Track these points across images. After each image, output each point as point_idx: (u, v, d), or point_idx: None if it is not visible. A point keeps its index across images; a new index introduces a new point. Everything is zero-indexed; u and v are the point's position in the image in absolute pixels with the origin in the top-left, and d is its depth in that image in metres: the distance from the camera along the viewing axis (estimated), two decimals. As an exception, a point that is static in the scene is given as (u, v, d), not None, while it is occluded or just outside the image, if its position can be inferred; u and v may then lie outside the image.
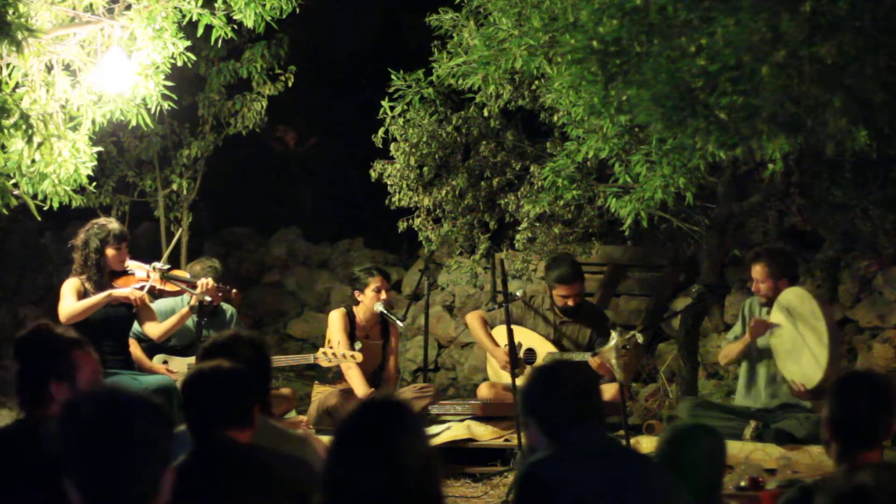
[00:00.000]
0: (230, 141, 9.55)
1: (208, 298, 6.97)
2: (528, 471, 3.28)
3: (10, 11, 5.57)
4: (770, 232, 8.16)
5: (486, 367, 7.97)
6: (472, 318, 7.74)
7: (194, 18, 6.39)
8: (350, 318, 7.49)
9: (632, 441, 6.72)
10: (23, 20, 5.66)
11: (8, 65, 6.04)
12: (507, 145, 8.29)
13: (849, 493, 2.61)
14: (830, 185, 7.43)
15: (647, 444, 6.77)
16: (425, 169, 8.23)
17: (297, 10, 6.67)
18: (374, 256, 10.60)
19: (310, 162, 12.49)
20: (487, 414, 7.42)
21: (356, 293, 7.52)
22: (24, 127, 5.87)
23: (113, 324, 6.85)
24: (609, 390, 6.90)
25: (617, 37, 4.84)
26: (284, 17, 6.66)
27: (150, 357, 7.30)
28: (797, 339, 6.59)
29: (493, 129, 8.27)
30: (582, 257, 8.28)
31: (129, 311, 6.94)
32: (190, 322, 7.13)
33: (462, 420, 7.45)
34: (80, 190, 6.60)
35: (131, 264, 6.98)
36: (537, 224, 8.04)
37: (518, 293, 7.37)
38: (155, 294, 7.07)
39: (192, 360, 6.93)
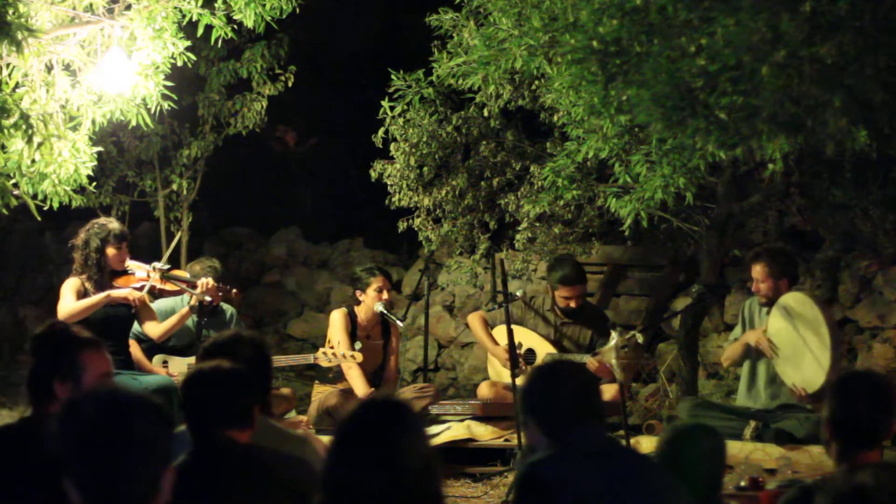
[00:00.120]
0: (230, 141, 9.55)
1: (208, 298, 6.97)
2: (528, 471, 3.28)
3: (10, 11, 5.57)
4: (770, 232, 8.15)
5: (487, 366, 7.98)
6: (473, 319, 7.75)
7: (194, 18, 6.39)
8: (351, 318, 7.49)
9: (632, 441, 6.72)
10: (23, 20, 5.66)
11: (8, 65, 6.04)
12: (507, 145, 8.29)
13: (849, 493, 2.60)
14: (830, 185, 7.42)
15: (647, 444, 6.77)
16: (425, 169, 8.23)
17: (297, 10, 6.67)
18: (374, 256, 10.60)
19: (310, 162, 12.49)
20: (487, 414, 7.42)
21: (358, 293, 7.53)
22: (24, 127, 5.87)
23: (113, 324, 6.84)
24: (609, 390, 6.90)
25: (617, 37, 4.84)
26: (284, 17, 6.66)
27: (150, 357, 7.30)
28: (797, 344, 6.59)
29: (493, 129, 8.26)
30: (582, 257, 8.28)
31: (128, 312, 6.94)
32: (190, 322, 7.13)
33: (462, 420, 7.45)
34: (80, 190, 6.60)
35: (131, 264, 6.98)
36: (537, 224, 8.04)
37: (518, 293, 7.37)
38: (155, 294, 7.08)
39: (191, 360, 6.94)
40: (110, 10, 6.38)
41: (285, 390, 8.11)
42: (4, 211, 6.29)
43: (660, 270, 9.27)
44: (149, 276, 6.94)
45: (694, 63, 4.59)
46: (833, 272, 8.44)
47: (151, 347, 7.26)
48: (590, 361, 7.02)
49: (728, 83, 4.55)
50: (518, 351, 7.18)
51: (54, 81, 6.23)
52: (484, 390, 7.63)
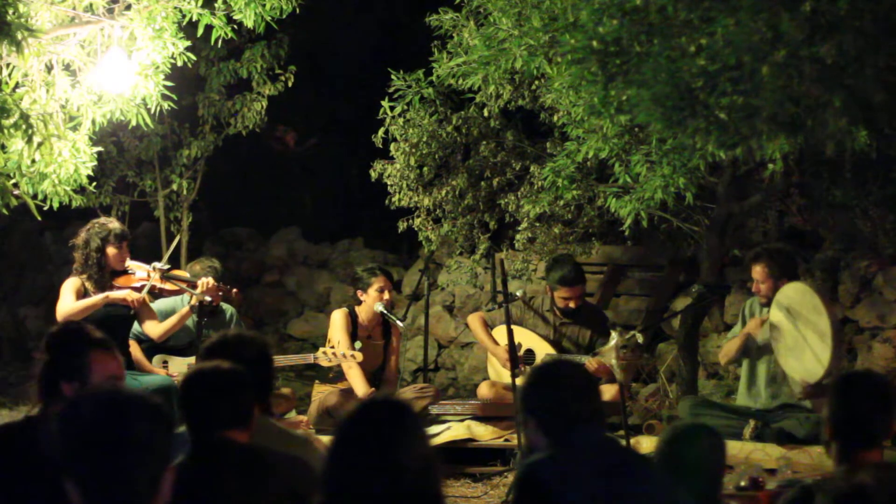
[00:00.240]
0: (230, 141, 9.56)
1: (208, 298, 6.97)
2: (528, 471, 3.28)
3: (10, 11, 5.57)
4: (770, 232, 8.16)
5: (487, 366, 7.98)
6: (473, 319, 7.75)
7: (194, 18, 6.39)
8: (353, 317, 7.49)
9: (632, 441, 6.72)
10: (23, 20, 5.66)
11: (8, 65, 6.04)
12: (507, 145, 8.29)
13: (849, 493, 2.61)
14: (830, 185, 7.43)
15: (647, 444, 6.77)
16: (425, 169, 8.24)
17: (297, 10, 6.67)
18: (374, 256, 10.60)
19: (310, 162, 12.50)
20: (487, 414, 7.42)
21: (359, 293, 7.52)
22: (24, 127, 5.87)
23: (112, 324, 6.82)
24: (609, 390, 6.90)
25: (617, 37, 4.84)
26: (284, 17, 6.66)
27: (150, 357, 7.30)
28: (798, 336, 6.58)
29: (493, 129, 8.27)
30: (582, 257, 8.27)
31: (128, 312, 6.94)
32: (190, 322, 7.13)
33: (462, 420, 7.45)
34: (80, 190, 6.60)
35: (132, 264, 6.98)
36: (537, 224, 8.04)
37: (518, 293, 7.36)
38: (155, 294, 7.07)
39: (191, 360, 6.94)
40: (110, 10, 6.38)
41: (285, 390, 8.12)
42: (4, 211, 6.29)
43: (660, 270, 9.27)
44: (149, 275, 6.93)
45: (694, 63, 4.59)
46: (833, 272, 8.44)
47: (151, 347, 7.25)
48: (589, 362, 7.02)
49: (728, 83, 4.55)
50: (518, 351, 7.18)
51: (54, 81, 6.23)
52: (484, 390, 7.63)
